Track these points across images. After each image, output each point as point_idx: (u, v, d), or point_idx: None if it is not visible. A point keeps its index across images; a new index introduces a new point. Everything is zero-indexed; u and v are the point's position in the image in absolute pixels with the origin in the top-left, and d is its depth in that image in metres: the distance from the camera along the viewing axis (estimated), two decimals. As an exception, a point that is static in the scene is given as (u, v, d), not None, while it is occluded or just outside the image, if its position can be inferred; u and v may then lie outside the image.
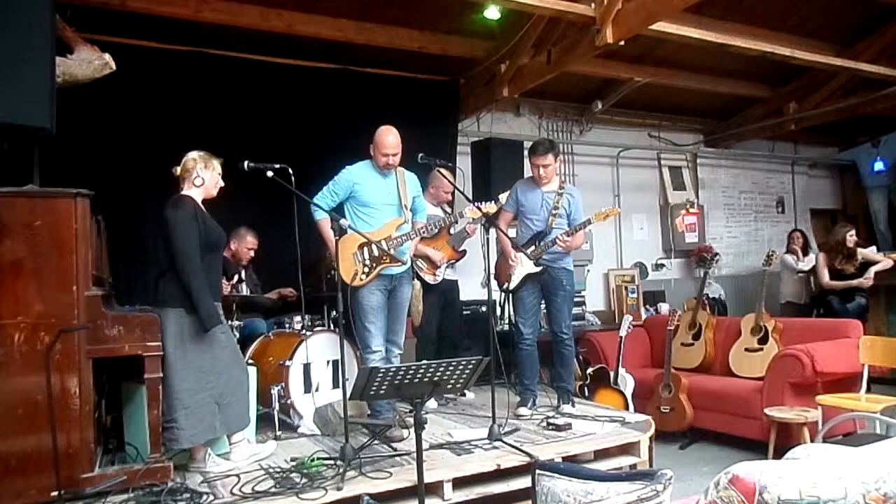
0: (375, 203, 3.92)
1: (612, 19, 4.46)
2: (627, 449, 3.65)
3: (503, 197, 4.41)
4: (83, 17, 3.79)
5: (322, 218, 3.83)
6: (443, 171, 4.21)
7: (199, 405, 3.07)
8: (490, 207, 4.17)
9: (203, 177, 3.25)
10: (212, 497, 2.84)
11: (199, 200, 3.25)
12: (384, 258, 3.85)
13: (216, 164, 3.32)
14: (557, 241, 4.15)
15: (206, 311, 3.04)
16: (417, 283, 4.59)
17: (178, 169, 3.26)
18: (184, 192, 3.23)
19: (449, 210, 4.91)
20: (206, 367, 3.12)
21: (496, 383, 3.87)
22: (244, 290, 4.77)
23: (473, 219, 4.43)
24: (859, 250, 6.15)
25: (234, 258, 4.73)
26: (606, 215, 4.25)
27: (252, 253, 4.86)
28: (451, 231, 4.86)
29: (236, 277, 4.64)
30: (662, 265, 7.78)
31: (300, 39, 5.06)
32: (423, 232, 4.15)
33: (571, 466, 1.90)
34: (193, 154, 3.28)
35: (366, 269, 3.83)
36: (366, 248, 3.85)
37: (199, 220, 3.14)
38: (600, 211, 4.23)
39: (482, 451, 3.41)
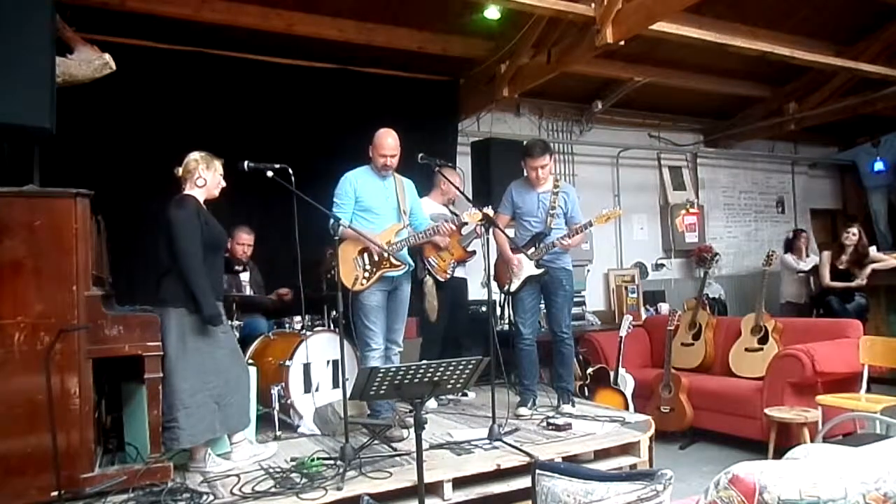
0: (375, 207, 3.93)
1: (612, 19, 4.46)
2: (627, 449, 3.65)
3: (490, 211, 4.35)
4: (83, 17, 3.79)
5: (344, 230, 3.64)
6: (445, 172, 4.20)
7: (198, 405, 3.07)
8: (488, 211, 4.16)
9: (205, 177, 3.26)
10: (212, 497, 2.84)
11: (201, 200, 3.26)
12: (384, 262, 3.85)
13: (218, 165, 3.32)
14: (557, 243, 4.14)
15: (210, 311, 3.05)
16: (430, 280, 4.60)
17: (180, 169, 3.27)
18: (186, 192, 3.24)
19: (455, 210, 4.90)
20: (207, 367, 3.12)
21: (496, 383, 3.86)
22: (247, 289, 4.76)
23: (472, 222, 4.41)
24: (871, 252, 6.17)
25: (231, 256, 4.73)
26: (608, 217, 4.16)
27: (248, 249, 4.83)
28: (462, 231, 4.86)
29: (241, 267, 4.65)
30: (662, 265, 7.78)
31: (300, 39, 5.06)
32: (426, 236, 4.13)
33: (571, 466, 1.90)
34: (195, 155, 3.28)
35: (366, 274, 3.84)
36: (366, 253, 3.87)
37: (202, 219, 3.15)
38: (601, 213, 4.15)
39: (482, 451, 3.41)
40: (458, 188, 4.48)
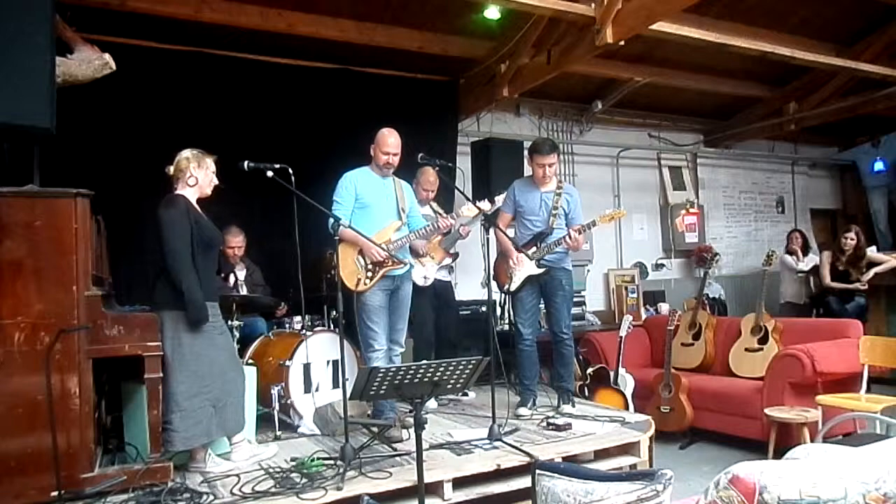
0: (375, 205, 3.93)
1: (612, 19, 4.46)
2: (627, 449, 3.65)
3: (499, 199, 4.35)
4: (83, 17, 3.78)
5: (344, 230, 3.63)
6: (427, 168, 4.18)
7: (195, 408, 3.06)
8: (485, 204, 4.16)
9: (196, 176, 3.24)
10: (212, 497, 2.84)
11: (193, 200, 3.24)
12: (386, 261, 3.84)
13: (209, 163, 3.30)
14: (566, 240, 4.12)
15: (196, 308, 3.03)
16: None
17: (172, 168, 3.24)
18: (177, 192, 3.22)
19: (440, 210, 4.89)
20: (203, 371, 3.11)
21: (496, 383, 3.86)
22: (242, 289, 4.75)
23: (472, 218, 4.41)
24: (868, 253, 6.18)
25: (224, 260, 4.69)
26: (612, 217, 4.21)
27: (238, 251, 4.76)
28: (450, 231, 4.84)
29: (232, 277, 4.60)
30: (662, 265, 7.78)
31: (300, 39, 5.06)
32: (422, 234, 4.13)
33: (571, 466, 1.90)
34: (186, 153, 3.26)
35: (368, 274, 3.83)
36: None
37: (192, 219, 3.13)
38: (605, 213, 4.20)
39: (482, 451, 3.41)
40: (455, 186, 4.48)
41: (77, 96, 3.58)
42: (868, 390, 4.11)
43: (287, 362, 3.97)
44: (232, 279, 4.61)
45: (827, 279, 6.27)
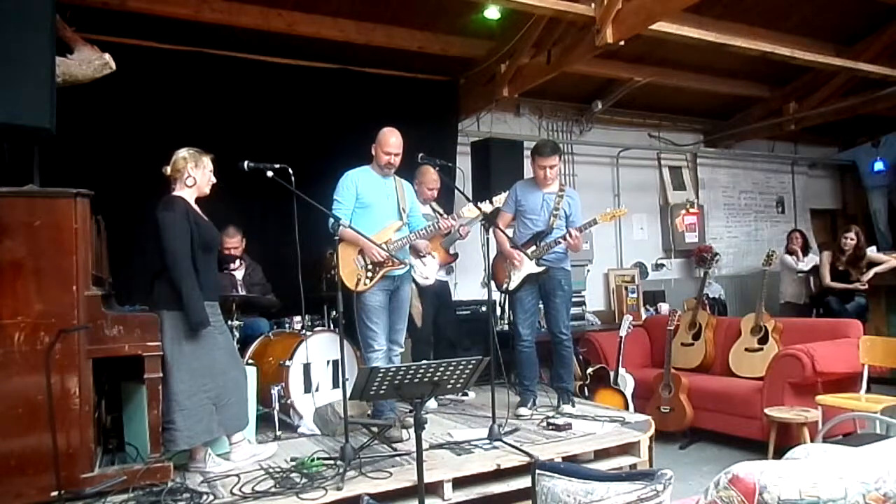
0: (376, 205, 3.92)
1: (612, 19, 4.46)
2: (627, 449, 3.66)
3: (497, 199, 4.35)
4: (83, 17, 3.79)
5: (344, 230, 3.63)
6: (428, 167, 4.17)
7: (196, 407, 3.06)
8: (486, 206, 4.15)
9: (195, 176, 3.23)
10: (212, 497, 2.84)
11: (191, 200, 3.23)
12: (386, 262, 3.84)
13: (207, 162, 3.29)
14: (568, 236, 4.10)
15: (196, 312, 3.02)
16: (413, 286, 4.59)
17: (169, 168, 3.24)
18: (175, 193, 3.21)
19: (440, 209, 4.88)
20: (203, 370, 3.11)
21: (496, 383, 3.86)
22: (241, 289, 4.74)
23: (472, 218, 4.41)
24: (868, 253, 6.19)
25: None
26: (613, 215, 4.26)
27: (235, 252, 4.69)
28: (448, 232, 4.84)
29: (235, 263, 4.57)
30: (662, 265, 7.78)
31: (300, 39, 5.06)
32: (423, 234, 4.13)
33: (571, 466, 1.90)
34: (183, 153, 3.25)
35: (369, 275, 3.82)
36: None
37: (192, 220, 3.12)
38: (606, 211, 4.23)
39: (482, 451, 3.41)
40: (455, 185, 4.48)
41: (77, 96, 3.58)
42: (868, 390, 4.12)
43: (287, 362, 3.97)
44: (235, 265, 4.59)
45: (827, 279, 6.27)
